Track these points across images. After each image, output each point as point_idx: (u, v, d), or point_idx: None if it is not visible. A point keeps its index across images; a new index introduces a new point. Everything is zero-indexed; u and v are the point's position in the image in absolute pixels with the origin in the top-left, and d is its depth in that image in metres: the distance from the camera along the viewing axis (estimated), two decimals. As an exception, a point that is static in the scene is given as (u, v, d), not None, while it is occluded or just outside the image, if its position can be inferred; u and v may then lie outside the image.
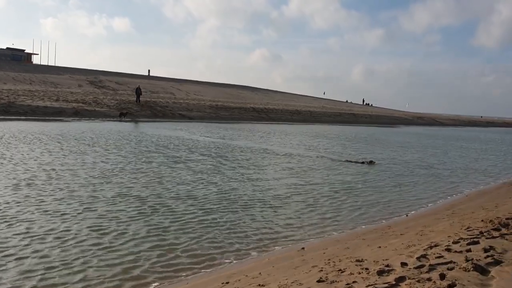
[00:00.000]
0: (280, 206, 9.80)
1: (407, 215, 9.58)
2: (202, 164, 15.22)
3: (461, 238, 5.79)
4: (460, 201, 11.12)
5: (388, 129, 54.35)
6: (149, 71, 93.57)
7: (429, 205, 10.97)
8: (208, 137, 26.73)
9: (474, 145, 35.79)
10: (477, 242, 5.57)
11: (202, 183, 11.85)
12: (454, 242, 5.57)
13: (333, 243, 7.17)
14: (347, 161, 18.64)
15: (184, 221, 8.20)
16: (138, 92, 43.35)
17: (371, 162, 18.39)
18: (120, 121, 35.71)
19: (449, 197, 12.18)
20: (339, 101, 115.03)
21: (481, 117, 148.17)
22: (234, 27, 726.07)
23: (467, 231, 6.36)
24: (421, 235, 6.57)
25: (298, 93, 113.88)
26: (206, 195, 10.47)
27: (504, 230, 6.26)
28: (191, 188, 11.16)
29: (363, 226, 8.69)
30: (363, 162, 18.39)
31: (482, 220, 7.05)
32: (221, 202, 9.82)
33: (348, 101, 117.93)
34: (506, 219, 7.07)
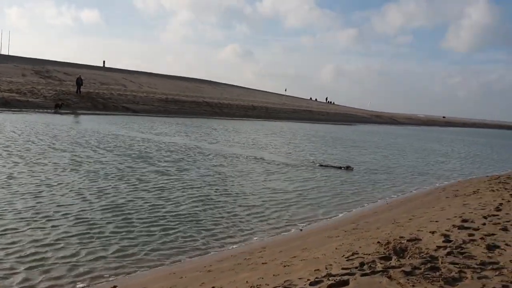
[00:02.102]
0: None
1: (301, 230, 8.07)
2: (100, 163, 13.34)
3: (329, 275, 4.24)
4: (375, 211, 9.71)
5: (341, 127, 53.57)
6: (104, 62, 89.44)
7: (340, 214, 9.54)
8: (141, 132, 24.77)
9: (407, 141, 35.22)
10: (346, 283, 4.03)
11: (97, 189, 9.99)
12: (313, 284, 4.01)
13: (167, 277, 5.57)
14: (320, 165, 16.85)
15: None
16: (79, 82, 40.64)
17: (348, 168, 16.58)
18: (55, 113, 33.13)
19: (366, 205, 10.84)
20: (301, 98, 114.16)
21: (444, 117, 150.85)
22: (207, 21, 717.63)
23: (348, 260, 4.83)
24: (286, 266, 5.01)
25: (263, 90, 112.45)
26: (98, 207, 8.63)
27: (393, 261, 4.75)
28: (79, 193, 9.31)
29: (225, 249, 7.03)
30: (340, 167, 16.59)
31: (379, 242, 5.55)
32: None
33: (313, 98, 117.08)
34: (408, 240, 5.60)
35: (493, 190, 10.91)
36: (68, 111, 34.72)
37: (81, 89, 40.90)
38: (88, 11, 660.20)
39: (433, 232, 6.04)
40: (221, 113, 48.69)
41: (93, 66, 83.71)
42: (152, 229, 7.59)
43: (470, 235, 5.86)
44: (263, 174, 13.97)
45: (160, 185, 11.00)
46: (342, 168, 16.43)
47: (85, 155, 14.67)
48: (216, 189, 11.06)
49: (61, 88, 42.98)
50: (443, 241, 5.48)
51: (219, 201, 9.86)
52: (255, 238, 7.53)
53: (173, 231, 7.55)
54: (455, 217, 7.35)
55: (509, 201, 8.81)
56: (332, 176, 14.69)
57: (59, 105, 34.83)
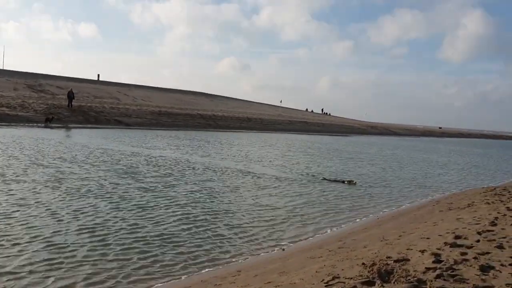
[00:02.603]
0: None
1: (283, 250, 7.61)
2: (82, 180, 12.89)
3: (304, 305, 3.79)
4: (365, 227, 9.27)
5: (337, 138, 53.25)
6: (98, 75, 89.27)
7: (328, 231, 9.11)
8: (131, 146, 24.34)
9: (404, 152, 34.87)
10: (321, 314, 3.58)
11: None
12: (284, 316, 3.57)
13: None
14: (324, 179, 16.35)
15: None
16: (70, 96, 40.22)
17: (350, 182, 16.00)
18: (45, 127, 32.70)
19: (357, 220, 10.43)
20: (297, 109, 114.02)
21: (440, 127, 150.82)
22: (204, 35, 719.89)
23: (327, 286, 4.38)
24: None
25: (260, 102, 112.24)
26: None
27: (377, 286, 4.32)
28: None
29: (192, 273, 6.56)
30: (343, 182, 16.01)
31: (364, 264, 5.12)
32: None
33: (309, 110, 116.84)
34: (395, 261, 5.17)
35: (488, 203, 10.50)
36: (59, 125, 34.31)
37: (72, 103, 40.47)
38: (85, 26, 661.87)
39: (423, 251, 5.62)
40: (215, 126, 48.32)
41: (87, 79, 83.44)
42: (129, 251, 7.12)
43: (462, 253, 5.43)
44: (254, 189, 13.51)
45: (143, 202, 10.50)
46: (345, 182, 15.87)
47: (69, 171, 14.19)
48: (202, 206, 10.53)
49: (53, 102, 42.58)
50: (433, 262, 5.05)
51: (204, 219, 9.35)
52: (233, 260, 7.05)
53: (150, 254, 7.08)
54: (448, 233, 6.93)
55: (504, 214, 8.40)
56: (326, 190, 14.24)
57: (49, 119, 34.39)
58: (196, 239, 7.99)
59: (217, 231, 8.59)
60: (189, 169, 16.64)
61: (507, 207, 9.48)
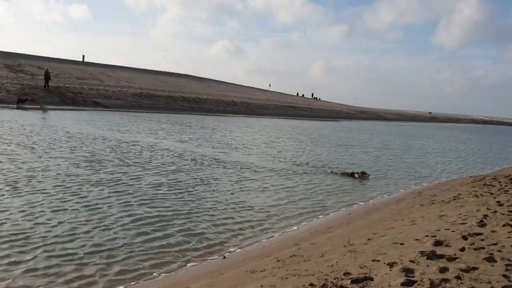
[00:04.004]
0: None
1: (224, 258, 6.37)
2: (33, 171, 11.53)
3: None
4: (330, 226, 8.03)
5: (326, 123, 52.08)
6: (83, 56, 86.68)
7: (288, 231, 7.87)
8: (104, 129, 22.96)
9: (396, 139, 33.85)
10: None
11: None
12: None
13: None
14: (332, 172, 14.79)
15: None
16: (46, 76, 38.44)
17: (363, 174, 14.40)
18: (17, 108, 31.13)
19: (323, 216, 9.18)
20: (286, 94, 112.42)
21: (430, 113, 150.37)
22: (198, 18, 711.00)
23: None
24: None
25: (250, 86, 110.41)
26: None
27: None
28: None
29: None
30: (352, 174, 14.24)
31: (312, 285, 3.89)
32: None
33: (300, 94, 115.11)
34: (353, 281, 3.96)
35: (476, 196, 9.33)
36: (33, 106, 32.69)
37: (49, 83, 38.71)
38: (76, 7, 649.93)
39: (392, 265, 4.42)
40: (198, 109, 46.84)
41: (71, 60, 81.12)
42: (60, 264, 5.83)
43: (442, 270, 4.23)
44: (228, 182, 12.01)
45: (96, 200, 8.98)
46: (355, 176, 14.21)
47: (21, 159, 12.72)
48: (162, 206, 9.01)
49: (29, 83, 40.76)
50: (403, 284, 3.85)
51: (156, 221, 7.89)
52: (154, 275, 5.76)
53: (76, 271, 5.77)
54: (427, 236, 5.74)
55: (495, 211, 7.22)
56: (309, 183, 12.99)
57: (22, 100, 32.71)
58: (138, 248, 6.58)
59: (167, 237, 7.17)
60: (159, 157, 15.26)
61: (497, 202, 8.32)
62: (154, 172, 12.51)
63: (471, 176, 15.03)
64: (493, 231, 5.89)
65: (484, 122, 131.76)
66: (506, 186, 10.62)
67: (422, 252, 4.88)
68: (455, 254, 4.82)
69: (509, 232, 5.77)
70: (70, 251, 6.28)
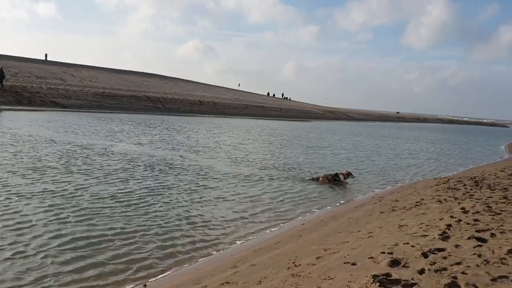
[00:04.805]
0: None
1: (145, 286, 5.45)
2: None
3: None
4: (278, 241, 7.19)
5: (295, 123, 51.62)
6: (46, 55, 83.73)
7: (231, 247, 6.98)
8: (56, 131, 21.63)
9: (368, 139, 33.58)
10: None
11: None
12: None
13: None
14: (304, 179, 13.72)
15: None
16: (0, 75, 36.47)
17: (348, 175, 13.43)
18: (-34, 108, 29.29)
19: (272, 230, 8.29)
20: (257, 93, 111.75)
21: (398, 112, 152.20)
22: (168, 16, 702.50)
23: None
24: None
25: (221, 86, 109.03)
26: None
27: None
28: None
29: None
30: (336, 178, 13.18)
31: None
32: None
33: (270, 94, 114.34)
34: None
35: (440, 201, 8.72)
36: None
37: (3, 82, 36.77)
38: (43, 5, 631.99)
39: (337, 296, 3.64)
40: (163, 109, 45.58)
41: (33, 59, 78.27)
42: None
43: (395, 303, 3.48)
44: (183, 191, 11.00)
45: (23, 218, 7.69)
46: (340, 180, 13.26)
47: None
48: (102, 223, 7.80)
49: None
50: (345, 327, 3.07)
51: (93, 243, 6.71)
52: None
53: None
54: (383, 253, 5.01)
55: (459, 220, 6.58)
56: (279, 188, 12.18)
57: (-29, 100, 30.89)
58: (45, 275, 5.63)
59: (92, 269, 6.07)
60: (114, 163, 14.08)
61: (462, 208, 7.71)
62: (102, 181, 11.29)
63: (435, 178, 14.54)
64: (457, 246, 5.21)
65: (450, 121, 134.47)
66: (471, 189, 10.09)
67: (374, 277, 4.13)
68: (412, 279, 4.09)
69: (474, 247, 5.10)
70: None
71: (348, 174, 13.51)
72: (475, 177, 12.82)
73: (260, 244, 6.98)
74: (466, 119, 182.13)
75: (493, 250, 4.92)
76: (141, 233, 7.40)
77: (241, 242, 7.30)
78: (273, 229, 8.17)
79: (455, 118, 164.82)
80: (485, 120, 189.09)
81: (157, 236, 7.35)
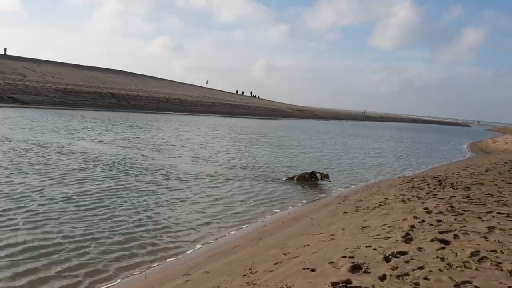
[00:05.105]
0: None
1: None
2: None
3: None
4: (237, 244, 6.90)
5: (263, 121, 51.44)
6: (5, 49, 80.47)
7: (185, 252, 6.65)
8: (10, 128, 20.70)
9: (336, 138, 33.75)
10: None
11: None
12: None
13: None
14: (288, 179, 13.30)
15: None
16: (-46, 69, 34.76)
17: (325, 177, 13.10)
18: None
19: (233, 232, 8.00)
20: (225, 91, 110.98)
21: (364, 112, 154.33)
22: (137, 13, 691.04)
23: None
24: None
25: (190, 83, 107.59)
26: None
27: None
28: None
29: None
30: (313, 175, 12.92)
31: None
32: None
33: (239, 92, 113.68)
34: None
35: (404, 201, 8.61)
36: None
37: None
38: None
39: (293, 308, 3.36)
40: (128, 106, 44.58)
41: (-10, 53, 75.23)
42: None
43: (354, 314, 3.23)
44: (142, 193, 10.59)
45: None
46: (318, 179, 13.06)
47: None
48: (55, 228, 7.31)
49: None
50: None
51: (42, 251, 6.28)
52: None
53: None
54: (344, 257, 4.78)
55: (422, 221, 6.44)
56: (243, 188, 11.94)
57: None
58: None
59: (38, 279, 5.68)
60: (72, 162, 13.49)
61: (425, 208, 7.59)
62: (57, 182, 10.73)
63: (399, 177, 14.56)
64: (419, 249, 5.03)
65: (414, 120, 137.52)
66: (434, 189, 10.05)
67: (334, 284, 3.88)
68: (373, 286, 3.86)
69: (437, 250, 4.93)
70: None
71: (326, 176, 13.33)
72: (438, 176, 12.87)
73: (217, 248, 6.66)
74: (431, 118, 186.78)
75: (456, 253, 4.76)
76: (93, 239, 6.97)
77: (199, 246, 6.95)
78: (233, 232, 7.87)
79: (421, 118, 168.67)
80: (448, 120, 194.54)
81: (109, 241, 6.95)
